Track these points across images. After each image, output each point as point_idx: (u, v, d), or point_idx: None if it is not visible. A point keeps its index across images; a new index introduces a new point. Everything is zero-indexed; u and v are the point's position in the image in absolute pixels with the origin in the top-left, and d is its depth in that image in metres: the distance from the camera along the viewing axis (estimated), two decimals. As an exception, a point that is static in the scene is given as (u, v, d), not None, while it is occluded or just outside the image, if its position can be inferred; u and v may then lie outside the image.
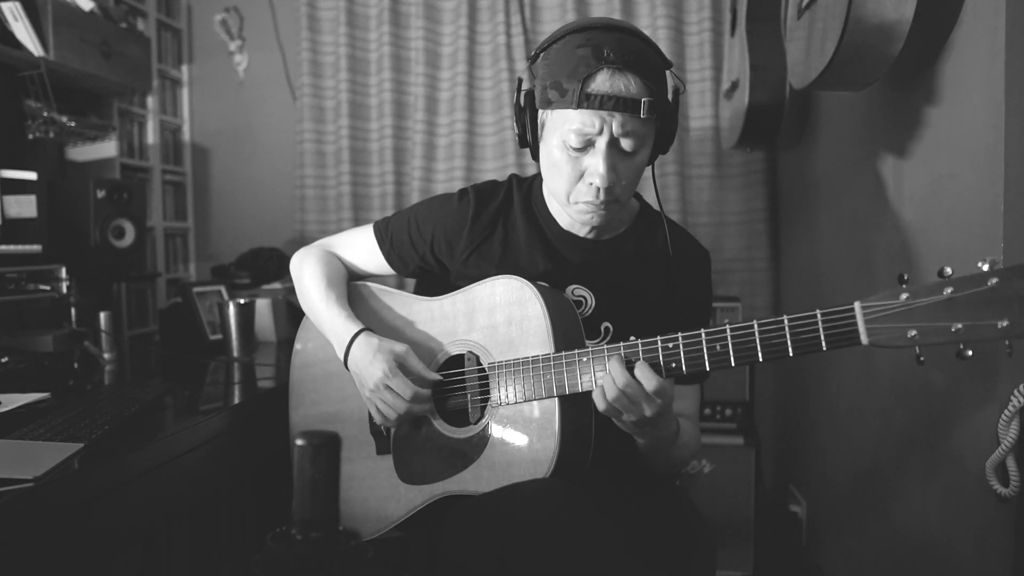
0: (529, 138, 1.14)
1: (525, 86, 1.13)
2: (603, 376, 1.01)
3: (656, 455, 1.13)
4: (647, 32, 2.39)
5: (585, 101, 1.03)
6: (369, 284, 1.35)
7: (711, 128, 2.41)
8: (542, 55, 1.11)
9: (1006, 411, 1.00)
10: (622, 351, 1.02)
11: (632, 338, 1.02)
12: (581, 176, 1.10)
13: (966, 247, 1.14)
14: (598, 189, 1.08)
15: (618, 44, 1.04)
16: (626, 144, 1.07)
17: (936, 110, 1.24)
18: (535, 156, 1.17)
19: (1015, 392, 0.98)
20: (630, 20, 2.42)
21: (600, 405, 1.01)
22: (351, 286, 1.35)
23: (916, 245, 1.33)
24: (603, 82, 1.03)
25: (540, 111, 1.12)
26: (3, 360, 1.58)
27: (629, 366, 0.99)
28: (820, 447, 1.97)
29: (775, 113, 1.90)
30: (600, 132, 1.05)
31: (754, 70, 1.87)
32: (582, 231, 1.22)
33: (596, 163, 1.07)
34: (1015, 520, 1.02)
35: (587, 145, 1.07)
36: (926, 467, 1.31)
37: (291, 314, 2.24)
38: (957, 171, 1.18)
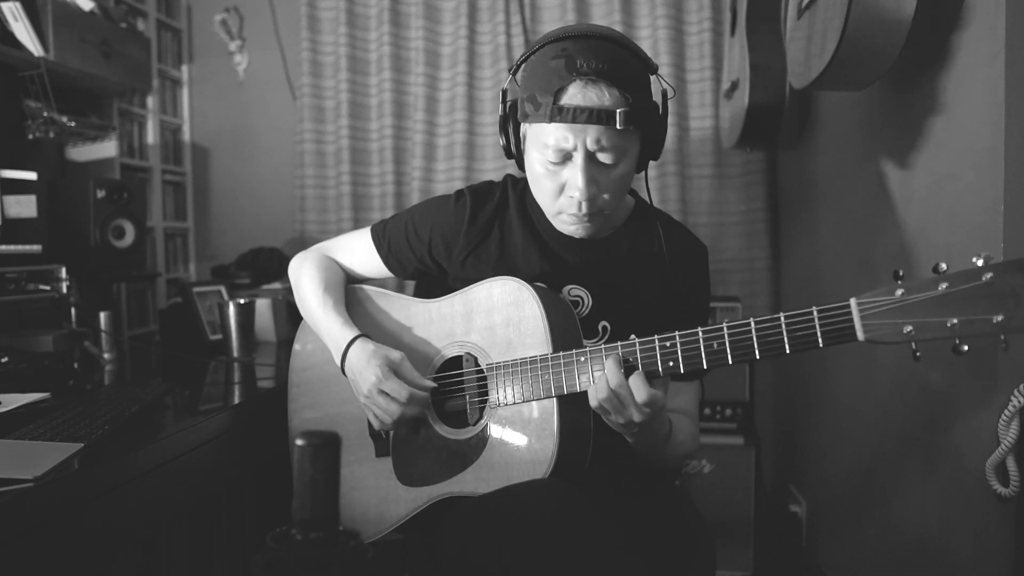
0: (513, 149, 1.15)
1: (509, 97, 1.13)
2: (600, 375, 1.02)
3: (647, 454, 1.13)
4: (647, 32, 2.40)
5: (558, 115, 1.02)
6: (366, 287, 1.35)
7: (711, 128, 2.41)
8: (522, 66, 1.11)
9: (1006, 411, 1.00)
10: (619, 351, 1.02)
11: (632, 337, 1.02)
12: (562, 189, 1.10)
13: (966, 247, 1.14)
14: (579, 202, 1.08)
15: (593, 53, 1.02)
16: (604, 157, 1.06)
17: (936, 110, 1.24)
18: (520, 167, 1.18)
19: (1015, 392, 0.98)
20: (630, 20, 2.42)
21: (591, 402, 1.02)
22: (349, 289, 1.35)
23: (916, 245, 1.33)
24: (575, 94, 1.01)
25: (521, 123, 1.12)
26: (3, 360, 1.58)
27: (627, 367, 0.99)
28: (820, 447, 1.97)
29: (775, 113, 1.90)
30: (575, 147, 1.04)
31: (754, 70, 1.87)
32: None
33: (574, 177, 1.06)
34: (1015, 520, 1.02)
35: (565, 159, 1.07)
36: (926, 467, 1.31)
37: (291, 314, 2.24)
38: (957, 171, 1.18)
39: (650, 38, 2.39)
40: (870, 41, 1.17)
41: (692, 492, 2.04)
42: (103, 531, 1.07)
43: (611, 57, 1.03)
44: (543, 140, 1.06)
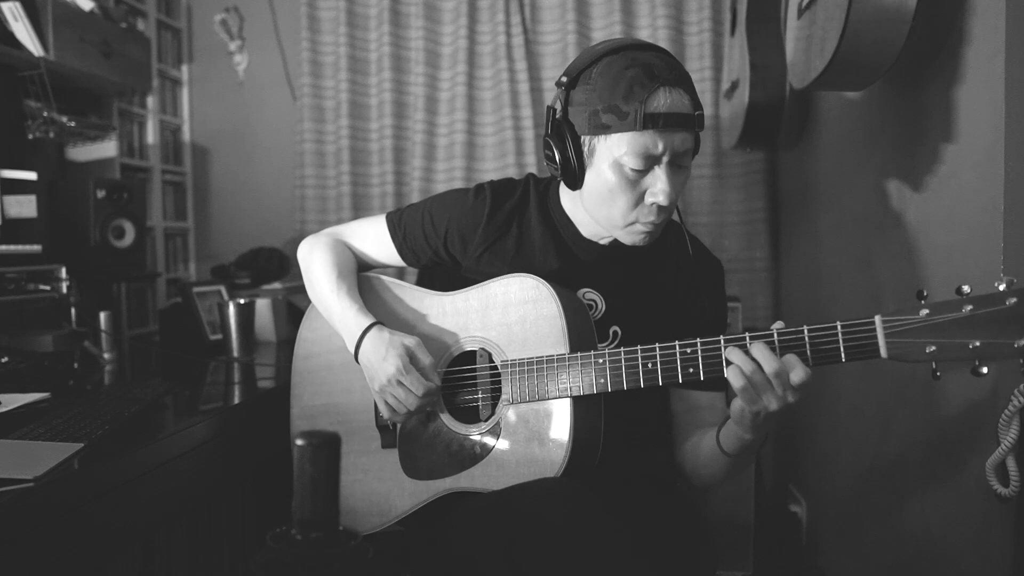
0: (574, 168, 1.10)
1: (559, 114, 1.09)
2: (736, 358, 0.94)
3: (747, 459, 1.09)
4: (647, 32, 2.41)
5: (650, 122, 1.01)
6: (381, 276, 1.34)
7: (711, 128, 2.41)
8: (581, 80, 1.07)
9: (1006, 411, 1.00)
10: (639, 354, 1.02)
11: (656, 344, 1.02)
12: (640, 198, 1.08)
13: (966, 247, 1.14)
14: (659, 208, 1.07)
15: (662, 61, 1.04)
16: (684, 160, 1.07)
17: (936, 110, 1.24)
18: (577, 184, 1.12)
19: (1015, 392, 0.98)
20: (630, 20, 2.43)
21: (738, 381, 0.93)
22: (361, 277, 1.33)
23: (916, 245, 1.33)
24: (663, 101, 1.02)
25: (587, 137, 1.08)
26: (3, 360, 1.58)
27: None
28: (820, 447, 1.97)
29: (775, 113, 1.90)
30: (663, 153, 1.04)
31: (754, 70, 1.87)
32: (604, 239, 1.20)
33: (659, 182, 1.05)
34: (1015, 520, 1.03)
35: (649, 167, 1.05)
36: (926, 467, 1.31)
37: (291, 314, 2.24)
38: (957, 171, 1.18)
39: (650, 38, 2.39)
40: (870, 41, 1.17)
41: (692, 492, 2.03)
42: (103, 531, 1.07)
43: (675, 64, 1.06)
44: (627, 148, 1.03)
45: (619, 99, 1.02)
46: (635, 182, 1.06)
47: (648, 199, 1.07)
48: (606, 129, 1.04)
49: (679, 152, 1.05)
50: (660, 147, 1.03)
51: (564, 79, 1.09)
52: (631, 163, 1.04)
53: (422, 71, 2.52)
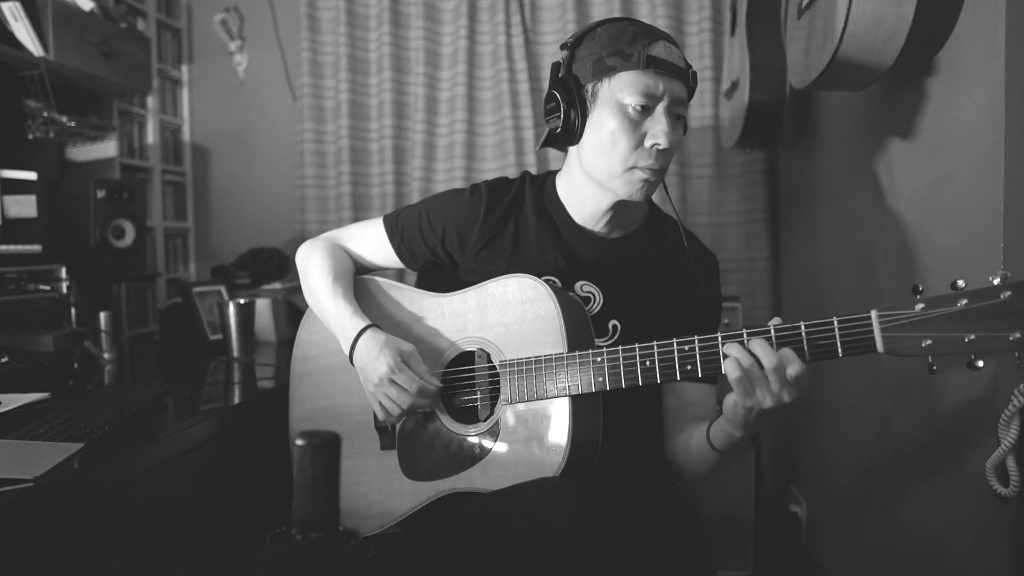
0: (575, 118, 1.14)
1: (563, 71, 1.16)
2: (736, 351, 0.94)
3: (735, 455, 1.10)
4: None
5: (652, 63, 1.09)
6: (378, 279, 1.34)
7: (711, 128, 2.41)
8: (586, 38, 1.15)
9: (1006, 411, 1.00)
10: (637, 352, 1.02)
11: (655, 343, 1.02)
12: (640, 141, 1.11)
13: (966, 247, 1.14)
14: (658, 152, 1.10)
15: (656, 28, 1.14)
16: (680, 110, 1.13)
17: (936, 110, 1.24)
18: (575, 139, 1.16)
19: (1015, 392, 0.98)
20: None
21: (734, 372, 0.93)
22: (359, 280, 1.34)
23: (916, 245, 1.33)
24: (663, 50, 1.11)
25: (591, 84, 1.13)
26: (3, 360, 1.58)
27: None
28: (820, 447, 1.97)
29: (775, 113, 1.90)
30: (662, 95, 1.10)
31: (754, 70, 1.87)
32: (600, 224, 1.21)
33: (661, 124, 1.10)
34: (1015, 520, 1.02)
35: (649, 107, 1.11)
36: (926, 467, 1.31)
37: (291, 314, 2.24)
38: (957, 171, 1.18)
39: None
40: (870, 41, 1.17)
41: (692, 492, 2.03)
42: (103, 531, 1.07)
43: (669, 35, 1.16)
44: (631, 88, 1.10)
45: (624, 44, 1.11)
46: (636, 124, 1.11)
47: (648, 141, 1.11)
48: (610, 71, 1.10)
49: (677, 98, 1.12)
50: (660, 88, 1.10)
51: (569, 41, 1.17)
52: (633, 101, 1.09)
53: (422, 71, 2.52)
